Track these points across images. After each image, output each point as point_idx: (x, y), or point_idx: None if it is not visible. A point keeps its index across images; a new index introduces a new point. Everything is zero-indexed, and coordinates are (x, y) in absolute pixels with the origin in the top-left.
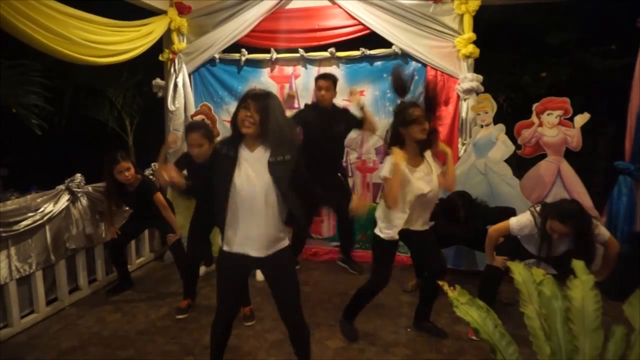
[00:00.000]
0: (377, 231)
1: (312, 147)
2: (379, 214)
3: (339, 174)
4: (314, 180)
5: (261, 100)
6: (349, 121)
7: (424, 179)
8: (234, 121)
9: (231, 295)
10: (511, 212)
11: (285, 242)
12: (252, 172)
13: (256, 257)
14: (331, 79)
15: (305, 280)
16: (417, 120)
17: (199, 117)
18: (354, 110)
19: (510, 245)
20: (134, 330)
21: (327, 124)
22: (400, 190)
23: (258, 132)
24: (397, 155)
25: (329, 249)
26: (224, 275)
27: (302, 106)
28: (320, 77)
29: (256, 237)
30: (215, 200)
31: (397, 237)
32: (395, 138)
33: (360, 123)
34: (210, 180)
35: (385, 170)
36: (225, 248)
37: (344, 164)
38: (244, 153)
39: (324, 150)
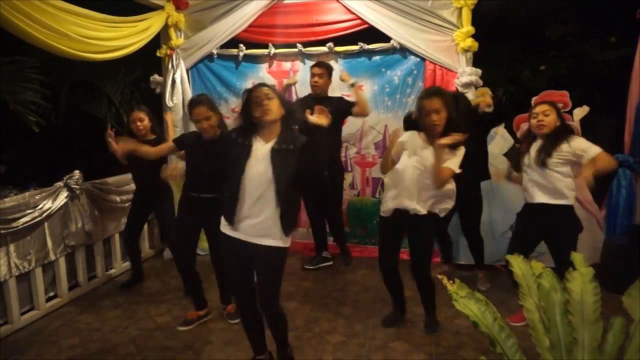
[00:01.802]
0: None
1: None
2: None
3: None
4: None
5: (268, 87)
6: (338, 106)
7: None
8: (248, 112)
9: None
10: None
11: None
12: (260, 163)
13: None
14: (325, 67)
15: (304, 275)
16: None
17: None
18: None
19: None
20: (134, 327)
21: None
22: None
23: (274, 118)
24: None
25: (328, 244)
26: (228, 257)
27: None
28: (315, 65)
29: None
30: (226, 188)
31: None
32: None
33: (350, 107)
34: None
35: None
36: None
37: (342, 159)
38: (258, 144)
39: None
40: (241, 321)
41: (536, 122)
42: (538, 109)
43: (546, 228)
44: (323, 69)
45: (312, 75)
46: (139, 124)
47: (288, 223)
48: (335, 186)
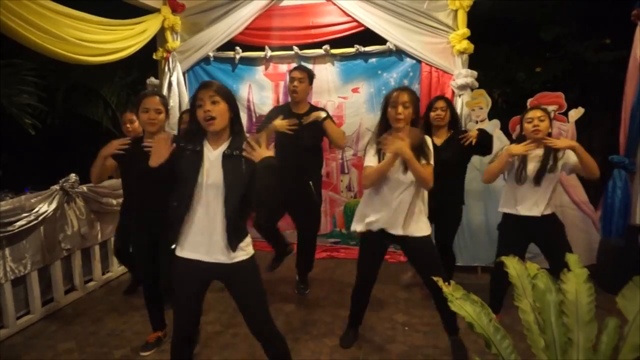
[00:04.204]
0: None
1: (281, 155)
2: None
3: (312, 188)
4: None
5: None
6: (321, 129)
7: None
8: (196, 120)
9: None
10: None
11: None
12: (212, 171)
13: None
14: (306, 71)
15: None
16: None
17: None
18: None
19: (512, 237)
20: (131, 330)
21: (297, 131)
22: None
23: (219, 128)
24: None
25: (326, 246)
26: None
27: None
28: (295, 69)
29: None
30: (175, 197)
31: None
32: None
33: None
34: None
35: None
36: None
37: (325, 172)
38: (207, 151)
39: (292, 159)
40: (172, 347)
41: (532, 126)
42: (533, 114)
43: (537, 236)
44: (304, 74)
45: (292, 79)
46: (128, 125)
47: (235, 237)
48: (315, 207)
